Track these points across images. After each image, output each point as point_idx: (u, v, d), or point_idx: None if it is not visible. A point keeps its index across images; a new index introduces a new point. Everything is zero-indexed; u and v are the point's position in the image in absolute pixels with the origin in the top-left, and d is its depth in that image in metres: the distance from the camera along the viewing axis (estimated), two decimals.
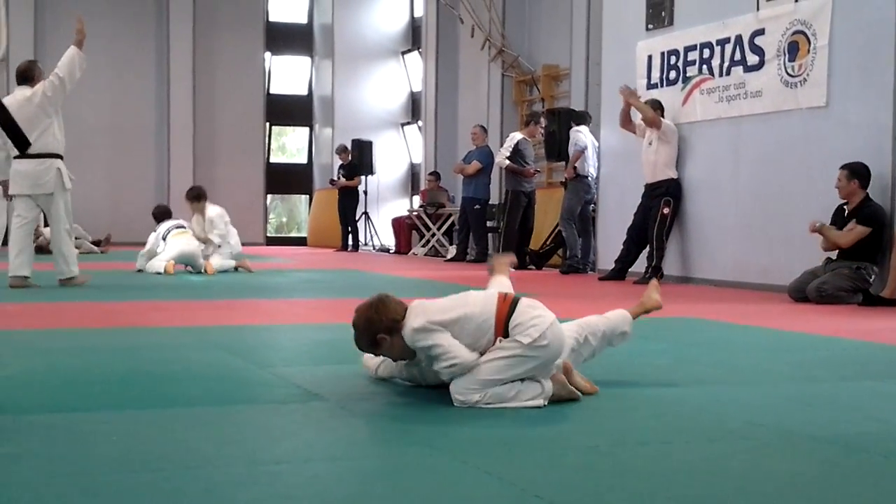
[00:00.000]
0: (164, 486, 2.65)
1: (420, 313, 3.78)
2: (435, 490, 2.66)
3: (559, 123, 14.20)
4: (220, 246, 12.18)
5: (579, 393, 3.91)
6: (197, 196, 12.35)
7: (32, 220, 9.44)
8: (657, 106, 11.54)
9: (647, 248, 11.56)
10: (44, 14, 21.95)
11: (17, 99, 9.00)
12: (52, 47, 21.39)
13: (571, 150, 13.25)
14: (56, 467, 2.82)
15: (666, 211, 11.32)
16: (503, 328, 3.75)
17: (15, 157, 9.13)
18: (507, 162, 14.24)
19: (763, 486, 2.74)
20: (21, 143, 3.94)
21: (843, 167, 8.98)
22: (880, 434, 3.44)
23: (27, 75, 9.17)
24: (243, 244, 13.42)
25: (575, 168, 13.15)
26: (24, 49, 21.49)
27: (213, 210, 12.32)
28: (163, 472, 2.79)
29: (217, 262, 12.00)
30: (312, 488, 2.71)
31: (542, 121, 14.58)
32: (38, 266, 9.59)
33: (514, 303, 3.83)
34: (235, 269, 12.28)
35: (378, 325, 3.80)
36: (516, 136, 14.57)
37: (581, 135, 13.13)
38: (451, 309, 3.80)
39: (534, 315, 3.78)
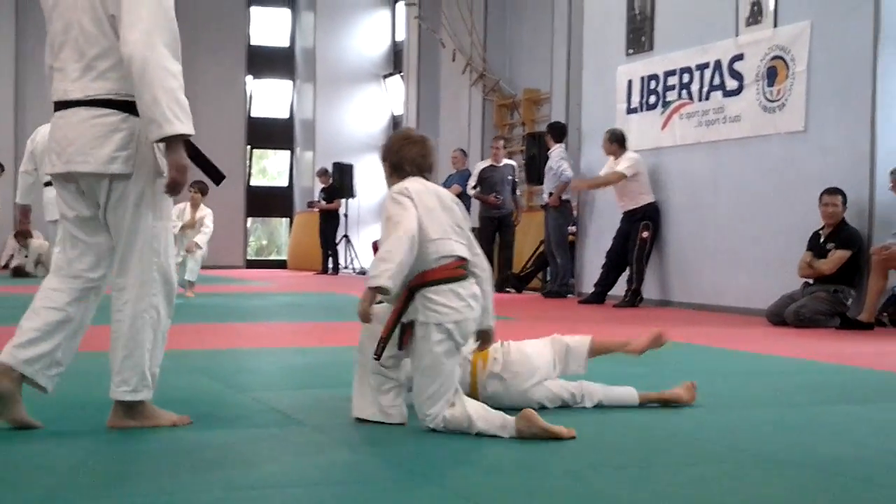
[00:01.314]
0: None
1: (402, 193, 3.79)
2: None
3: (539, 147, 14.23)
4: (199, 248, 12.10)
5: (557, 431, 3.60)
6: (202, 191, 12.29)
7: None
8: (616, 138, 11.68)
9: (627, 272, 11.59)
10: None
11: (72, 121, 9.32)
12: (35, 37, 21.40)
13: (551, 175, 13.21)
14: (34, 494, 2.80)
15: (645, 235, 11.37)
16: None
17: (48, 185, 9.45)
18: (472, 192, 14.29)
19: None
20: (217, 177, 3.93)
21: (836, 192, 8.98)
22: (858, 458, 3.45)
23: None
24: (223, 267, 13.36)
25: (559, 196, 13.17)
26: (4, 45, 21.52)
27: (205, 210, 12.28)
28: (140, 497, 2.78)
29: (191, 265, 11.97)
30: None
31: (500, 141, 14.64)
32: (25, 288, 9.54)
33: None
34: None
35: (389, 152, 3.94)
36: (480, 164, 14.63)
37: (566, 164, 13.13)
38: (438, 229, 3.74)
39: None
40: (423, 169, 3.93)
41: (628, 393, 4.36)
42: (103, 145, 3.67)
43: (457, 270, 3.73)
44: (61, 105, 3.77)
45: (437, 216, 3.78)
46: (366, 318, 3.71)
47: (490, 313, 3.89)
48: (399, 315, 3.73)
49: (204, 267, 12.41)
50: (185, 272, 11.71)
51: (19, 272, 17.72)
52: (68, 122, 3.74)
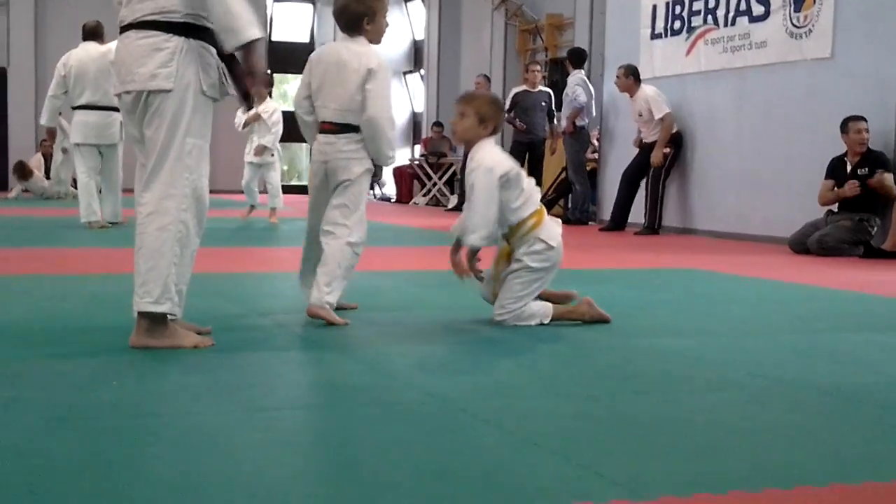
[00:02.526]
0: (163, 431, 2.66)
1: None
2: (433, 437, 2.66)
3: (561, 73, 14.09)
4: (267, 149, 11.87)
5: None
6: (266, 82, 12.08)
7: (95, 168, 10.37)
8: (633, 72, 11.58)
9: (647, 200, 11.55)
10: None
11: (91, 53, 10.18)
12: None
13: (567, 102, 13.12)
14: (55, 412, 2.82)
15: (665, 151, 11.31)
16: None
17: (77, 108, 10.21)
18: (505, 116, 14.15)
19: (762, 435, 2.74)
20: (249, 101, 4.01)
21: (862, 119, 8.87)
22: (878, 385, 3.45)
23: (97, 31, 10.41)
24: (244, 192, 13.24)
25: (574, 122, 13.08)
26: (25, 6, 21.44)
27: (271, 105, 11.92)
28: (161, 417, 2.80)
29: (271, 189, 12.20)
30: (312, 435, 2.72)
31: (536, 66, 14.48)
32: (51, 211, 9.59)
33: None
34: None
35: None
36: (515, 89, 14.49)
37: (581, 89, 13.01)
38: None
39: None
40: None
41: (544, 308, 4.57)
42: (146, 64, 3.72)
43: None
44: (121, 30, 3.84)
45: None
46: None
47: None
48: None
49: (223, 191, 12.33)
50: (257, 196, 11.87)
51: None
52: (122, 45, 3.82)
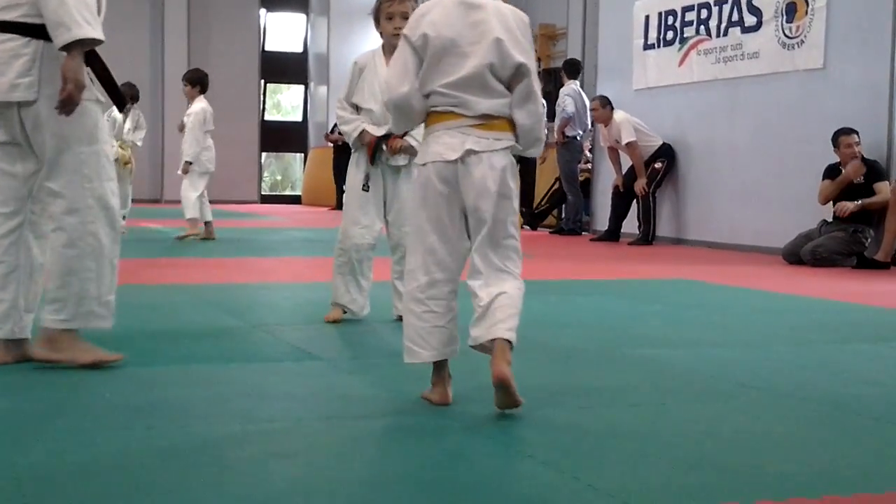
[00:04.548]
0: (158, 443, 2.66)
1: None
2: (426, 448, 2.66)
3: (555, 83, 14.11)
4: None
5: None
6: (192, 81, 11.30)
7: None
8: (609, 102, 11.69)
9: (639, 210, 11.58)
10: None
11: None
12: None
13: (558, 113, 13.15)
14: (50, 423, 2.82)
15: (658, 165, 11.36)
16: None
17: None
18: None
19: (754, 447, 2.75)
20: (121, 101, 3.78)
21: (852, 131, 8.88)
22: (872, 396, 3.45)
23: None
24: (237, 202, 13.20)
25: (563, 133, 13.09)
26: None
27: (196, 107, 10.95)
28: (156, 429, 2.80)
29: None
30: (306, 447, 2.72)
31: None
32: None
33: None
34: None
35: None
36: None
37: (570, 99, 13.02)
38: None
39: None
40: None
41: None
42: (5, 73, 3.46)
43: None
44: None
45: None
46: None
47: None
48: None
49: (219, 201, 12.04)
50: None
51: None
52: None
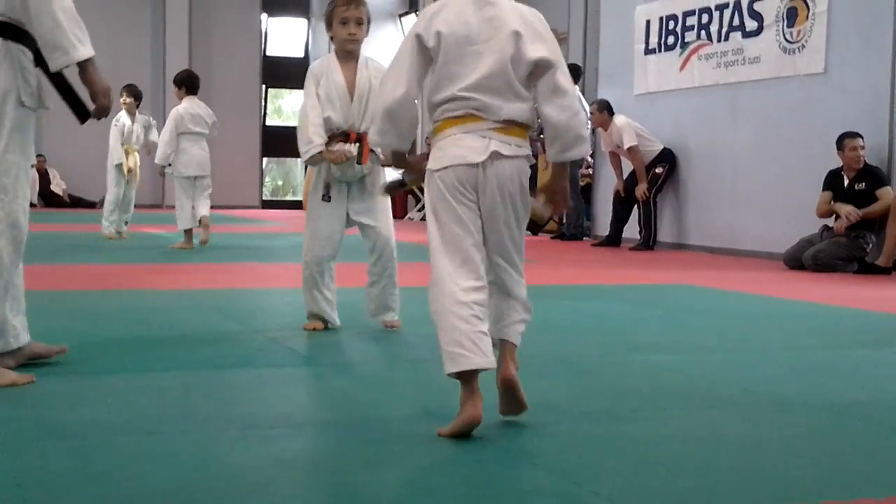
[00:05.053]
0: (159, 449, 2.65)
1: None
2: (428, 454, 2.66)
3: None
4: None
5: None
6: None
7: None
8: (606, 107, 11.67)
9: (640, 216, 11.58)
10: None
11: None
12: None
13: None
14: (49, 429, 2.82)
15: (659, 170, 11.36)
16: None
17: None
18: None
19: (755, 452, 2.74)
20: (83, 114, 3.67)
21: (857, 135, 8.86)
22: (873, 402, 3.45)
23: None
24: (238, 207, 13.16)
25: None
26: None
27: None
28: (157, 435, 2.80)
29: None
30: (306, 453, 2.72)
31: None
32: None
33: None
34: None
35: None
36: None
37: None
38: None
39: None
40: None
41: None
42: None
43: None
44: None
45: None
46: None
47: None
48: None
49: (221, 206, 11.91)
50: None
51: None
52: None
